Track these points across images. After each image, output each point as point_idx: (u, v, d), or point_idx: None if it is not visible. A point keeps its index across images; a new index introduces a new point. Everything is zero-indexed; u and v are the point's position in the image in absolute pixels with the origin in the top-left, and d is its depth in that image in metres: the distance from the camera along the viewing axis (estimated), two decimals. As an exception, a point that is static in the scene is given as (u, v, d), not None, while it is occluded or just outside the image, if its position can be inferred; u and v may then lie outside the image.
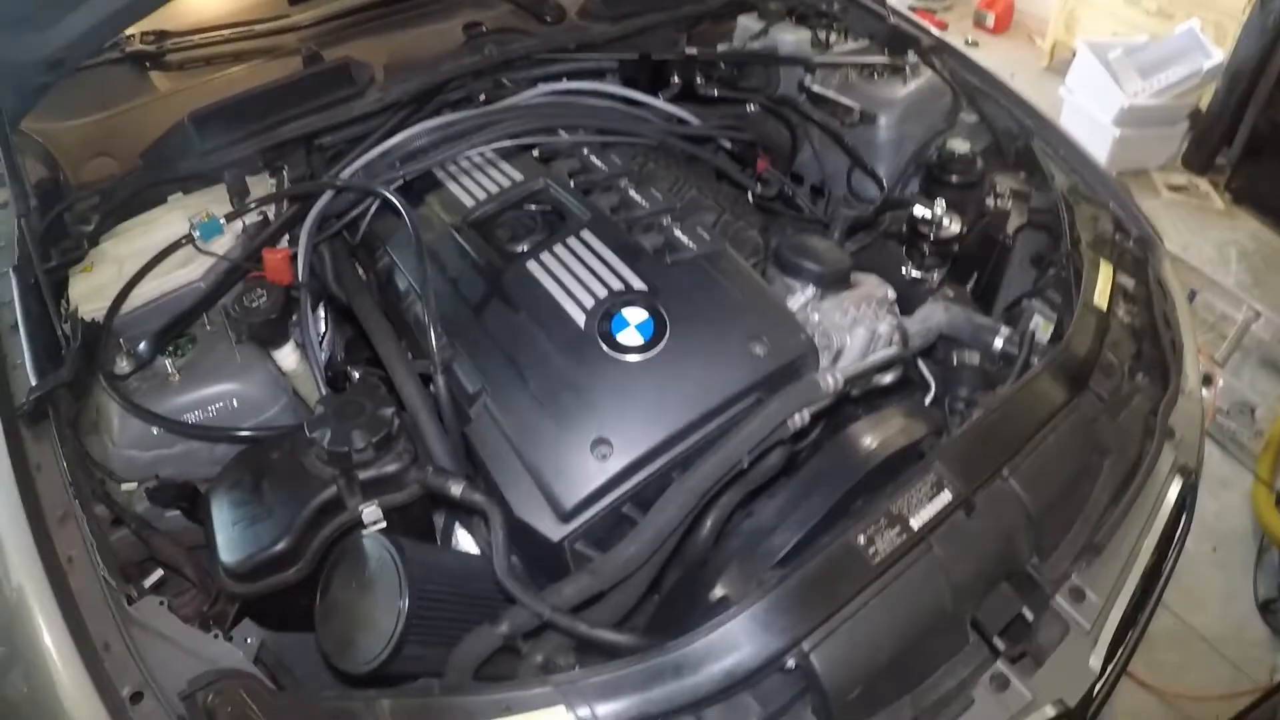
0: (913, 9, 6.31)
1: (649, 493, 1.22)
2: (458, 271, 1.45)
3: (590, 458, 1.19)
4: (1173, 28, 4.76)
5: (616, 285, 1.35)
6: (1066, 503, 1.41)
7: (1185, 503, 1.56)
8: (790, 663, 1.07)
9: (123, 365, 1.42)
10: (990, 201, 1.89)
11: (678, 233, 1.45)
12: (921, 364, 1.71)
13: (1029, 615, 1.32)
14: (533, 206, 1.55)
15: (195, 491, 1.40)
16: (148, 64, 2.07)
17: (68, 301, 1.52)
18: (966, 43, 6.19)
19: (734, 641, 1.06)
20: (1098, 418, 1.50)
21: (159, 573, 1.28)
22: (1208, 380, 3.31)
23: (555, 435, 1.21)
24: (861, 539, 1.17)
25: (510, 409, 1.26)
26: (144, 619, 1.14)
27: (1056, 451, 1.40)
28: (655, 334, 1.29)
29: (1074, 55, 4.90)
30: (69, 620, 1.10)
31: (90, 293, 1.52)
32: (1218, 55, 4.45)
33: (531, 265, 1.40)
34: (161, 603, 1.15)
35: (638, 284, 1.35)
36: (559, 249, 1.42)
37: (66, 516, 1.21)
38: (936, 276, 1.82)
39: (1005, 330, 1.62)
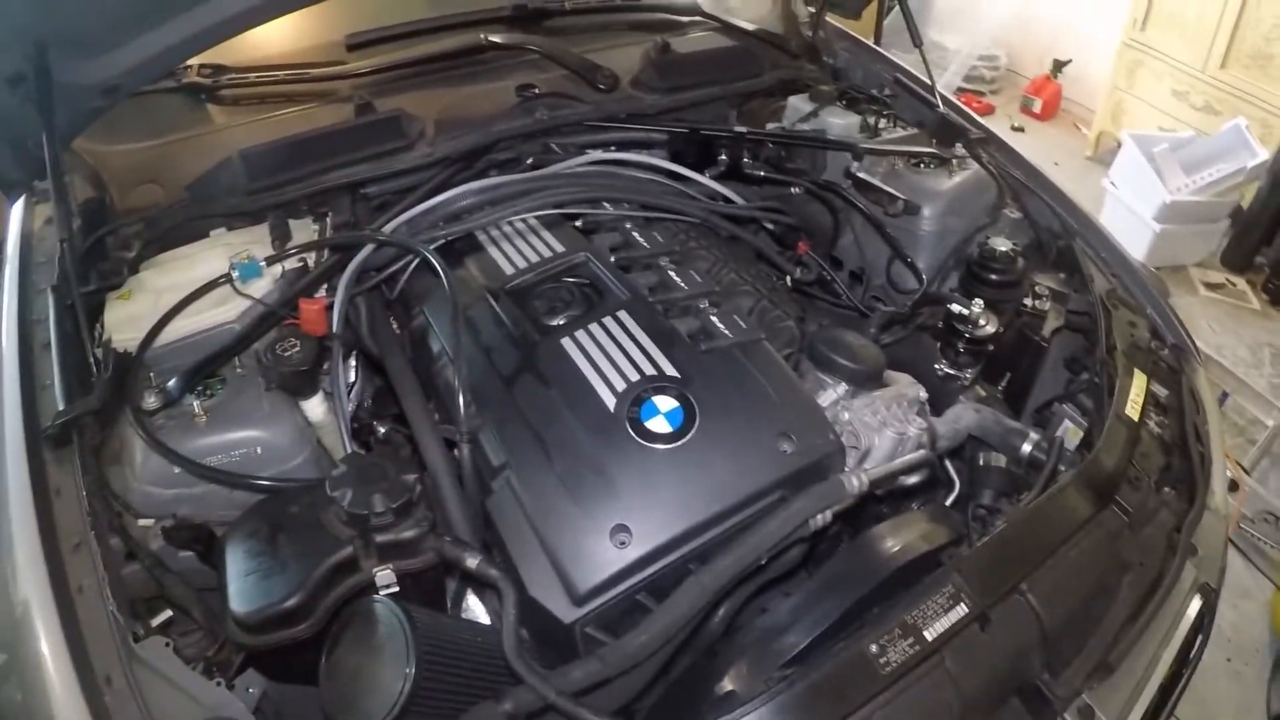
0: (960, 91, 6.41)
1: (664, 582, 1.21)
2: (491, 340, 1.45)
3: (609, 544, 1.18)
4: (1219, 124, 4.76)
5: (649, 370, 1.34)
6: (1083, 619, 1.39)
7: (1203, 622, 1.55)
8: None
9: (151, 400, 1.43)
10: (1029, 301, 1.89)
11: (714, 319, 1.45)
12: (947, 462, 1.70)
13: (1037, 731, 1.31)
14: (570, 280, 1.55)
15: (211, 535, 1.40)
16: (203, 96, 2.10)
17: (102, 327, 1.55)
18: (1012, 128, 6.23)
19: (737, 743, 1.05)
20: (1121, 533, 1.48)
21: (167, 613, 1.28)
22: (1233, 487, 3.26)
23: (576, 518, 1.21)
24: (874, 648, 1.16)
25: (533, 487, 1.26)
26: (148, 658, 1.14)
27: (1077, 568, 1.39)
28: (684, 423, 1.28)
29: (1119, 146, 4.90)
30: (73, 651, 1.11)
31: (125, 321, 1.54)
32: (1263, 154, 4.43)
33: (566, 342, 1.40)
34: (167, 644, 1.16)
35: (670, 370, 1.35)
36: (594, 328, 1.42)
37: (81, 545, 1.23)
38: (969, 374, 1.81)
39: (1034, 436, 1.61)
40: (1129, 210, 4.65)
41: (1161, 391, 1.77)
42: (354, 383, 1.66)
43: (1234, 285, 4.71)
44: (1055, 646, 1.33)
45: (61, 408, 1.36)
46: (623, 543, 1.18)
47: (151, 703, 1.10)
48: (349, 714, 1.10)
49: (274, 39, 2.27)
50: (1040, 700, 1.31)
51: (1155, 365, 1.80)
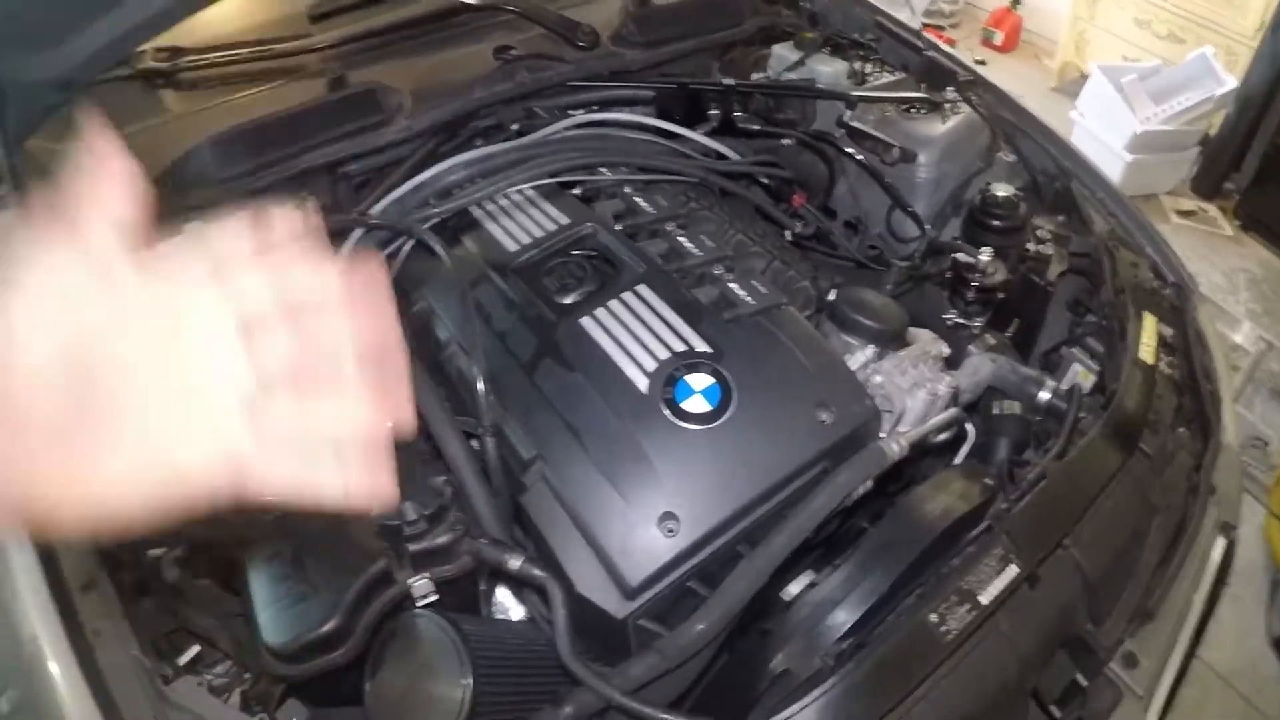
0: (923, 26, 6.32)
1: (711, 565, 1.17)
2: (504, 324, 1.37)
3: (657, 533, 1.13)
4: (1183, 52, 4.74)
5: (678, 347, 1.28)
6: (1119, 567, 1.39)
7: (1229, 560, 1.55)
8: None
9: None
10: (1031, 246, 1.85)
11: (733, 285, 1.38)
12: (963, 414, 1.67)
13: (1083, 682, 1.31)
14: (578, 253, 1.48)
15: (230, 558, 1.32)
16: (160, 82, 1.95)
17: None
18: (974, 61, 6.16)
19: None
20: (1145, 477, 1.48)
21: (195, 648, 1.20)
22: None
23: (620, 509, 1.15)
24: (934, 617, 1.15)
25: (571, 479, 1.19)
26: (182, 701, 1.07)
27: (1113, 516, 1.39)
28: (722, 401, 1.22)
29: (1083, 76, 4.87)
30: (100, 702, 1.02)
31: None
32: (1230, 82, 4.43)
33: (585, 321, 1.32)
34: (200, 684, 1.09)
35: (701, 346, 1.27)
36: (614, 304, 1.34)
37: (90, 585, 1.13)
38: (978, 323, 1.77)
39: (1051, 383, 1.58)
40: (1098, 140, 4.62)
41: (1167, 331, 1.76)
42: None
43: (1205, 212, 4.72)
44: (1096, 597, 1.33)
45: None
46: (671, 530, 1.13)
47: (193, 749, 1.03)
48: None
49: (231, 15, 2.14)
50: (1086, 651, 1.31)
51: (1159, 305, 1.78)
